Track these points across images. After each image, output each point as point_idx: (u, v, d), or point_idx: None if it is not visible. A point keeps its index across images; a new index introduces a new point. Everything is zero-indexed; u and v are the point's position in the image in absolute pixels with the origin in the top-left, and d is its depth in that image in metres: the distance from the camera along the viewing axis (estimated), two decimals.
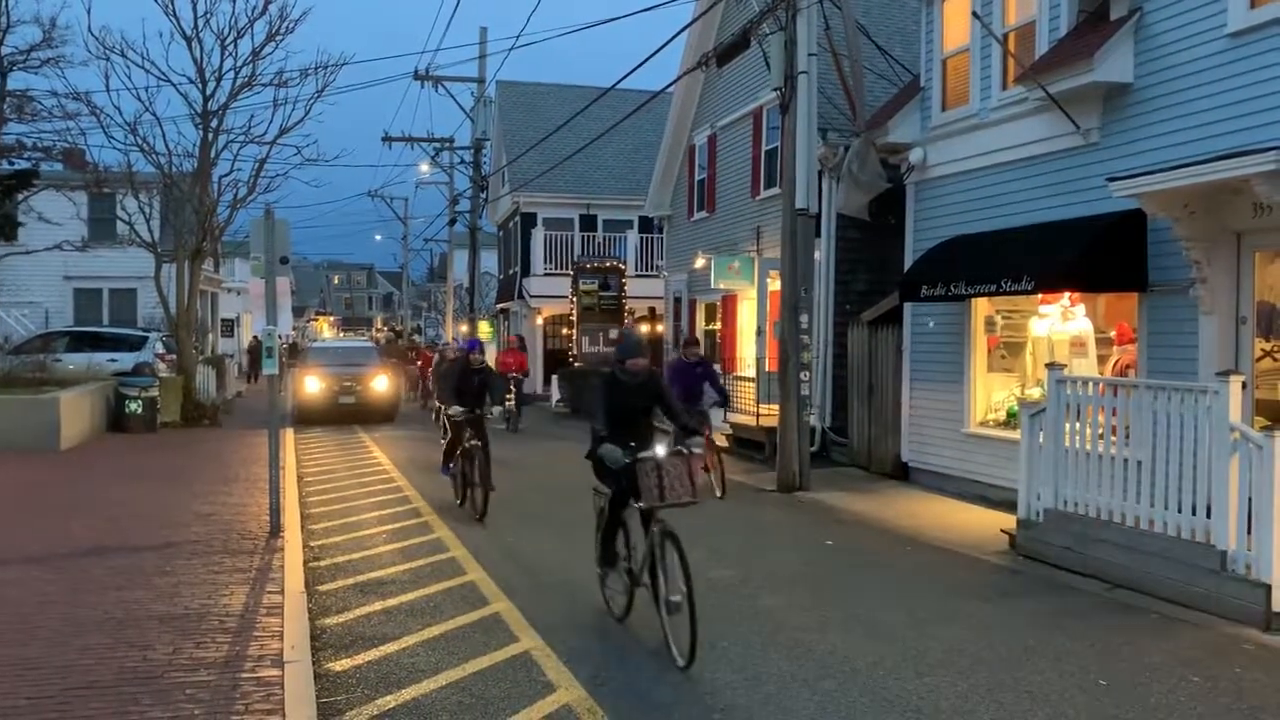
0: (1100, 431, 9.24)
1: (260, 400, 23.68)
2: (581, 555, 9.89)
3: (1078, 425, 9.46)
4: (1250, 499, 7.63)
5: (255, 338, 31.50)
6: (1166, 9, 10.21)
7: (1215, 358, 9.56)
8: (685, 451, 6.96)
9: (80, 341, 24.31)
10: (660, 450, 6.94)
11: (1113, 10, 10.85)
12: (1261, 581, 7.47)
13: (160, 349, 24.37)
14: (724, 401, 14.49)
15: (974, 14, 12.65)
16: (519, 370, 23.80)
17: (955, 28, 13.58)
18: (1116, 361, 11.34)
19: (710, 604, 8.09)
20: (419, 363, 31.70)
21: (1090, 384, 9.66)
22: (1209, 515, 7.97)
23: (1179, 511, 8.26)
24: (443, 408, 19.17)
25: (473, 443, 11.89)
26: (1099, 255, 10.51)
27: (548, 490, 13.92)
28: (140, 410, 19.83)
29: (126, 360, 22.37)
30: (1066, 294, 11.59)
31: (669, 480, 6.81)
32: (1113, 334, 11.54)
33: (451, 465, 12.71)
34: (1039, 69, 11.31)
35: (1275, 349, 9.90)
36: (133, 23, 22.73)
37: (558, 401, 27.67)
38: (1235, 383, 7.90)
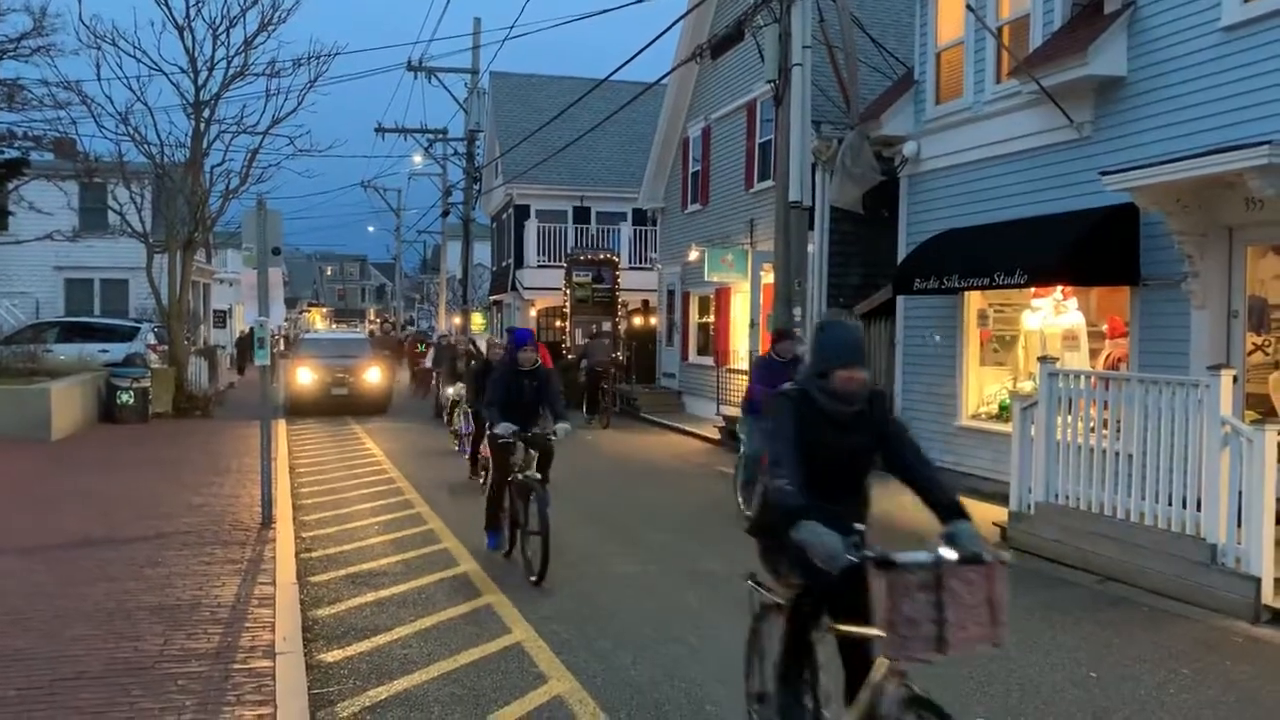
0: (1092, 425, 9.27)
1: (253, 391, 23.64)
2: (574, 555, 9.88)
3: (1069, 418, 9.48)
4: (1240, 493, 7.66)
5: (251, 329, 30.94)
6: (1160, 2, 10.21)
7: (1207, 352, 9.58)
8: (986, 558, 3.75)
9: (71, 332, 24.23)
10: (950, 555, 3.73)
11: (1106, 3, 10.84)
12: (1251, 575, 7.51)
13: (152, 340, 24.28)
14: None
15: (968, 7, 12.64)
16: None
17: (949, 21, 13.57)
18: (1108, 355, 11.37)
19: (700, 597, 8.11)
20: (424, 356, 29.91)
21: (1082, 377, 9.69)
22: (1199, 509, 8.00)
23: (1170, 505, 8.29)
24: (450, 415, 17.84)
25: (527, 474, 8.85)
26: (1091, 249, 10.52)
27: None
28: (132, 401, 19.76)
29: (118, 351, 22.29)
30: (1059, 287, 11.61)
31: (957, 613, 3.66)
32: (1105, 327, 11.57)
33: (499, 530, 9.43)
34: (1032, 62, 11.30)
35: (1266, 343, 9.94)
36: (124, 11, 22.53)
37: None
38: (1226, 377, 7.92)
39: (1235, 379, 8.30)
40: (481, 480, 12.76)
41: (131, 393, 19.79)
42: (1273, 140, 8.17)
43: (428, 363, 25.84)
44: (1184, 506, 8.17)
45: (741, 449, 11.67)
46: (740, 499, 11.19)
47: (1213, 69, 9.57)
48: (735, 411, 18.50)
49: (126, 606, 7.27)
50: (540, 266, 31.68)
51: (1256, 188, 8.47)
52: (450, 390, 17.96)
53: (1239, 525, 7.68)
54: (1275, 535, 7.59)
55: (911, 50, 14.92)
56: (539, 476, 8.78)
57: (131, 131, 21.93)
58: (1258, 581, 7.46)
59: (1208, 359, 9.34)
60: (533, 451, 8.96)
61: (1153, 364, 10.08)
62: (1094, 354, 11.64)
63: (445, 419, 19.14)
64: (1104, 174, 9.86)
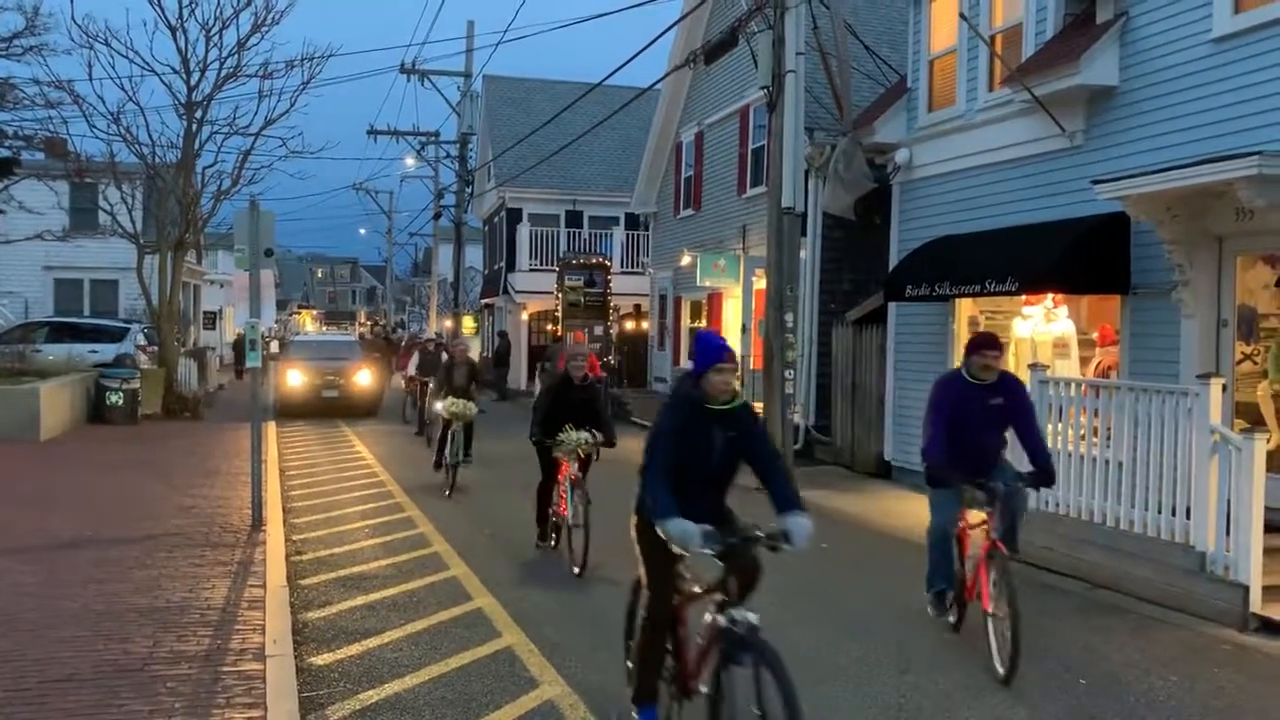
0: (1082, 432, 9.30)
1: (242, 393, 23.57)
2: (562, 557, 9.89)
3: (1060, 426, 9.51)
4: (1229, 501, 7.70)
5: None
6: (1152, 13, 10.27)
7: (1196, 360, 9.63)
8: None
9: (60, 332, 24.13)
10: None
11: (1099, 13, 10.91)
12: (1240, 583, 7.54)
13: (142, 340, 24.20)
14: (1046, 473, 6.94)
15: (961, 15, 12.69)
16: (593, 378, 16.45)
17: (942, 29, 13.63)
18: (1098, 363, 11.41)
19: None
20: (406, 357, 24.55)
21: (1072, 385, 9.72)
22: (1189, 516, 8.03)
23: (1159, 513, 8.32)
24: (441, 440, 13.43)
25: (732, 614, 4.66)
26: (1082, 257, 10.57)
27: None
28: (121, 402, 19.69)
29: (107, 352, 22.20)
30: (1050, 295, 11.65)
31: None
32: (1095, 336, 11.61)
33: (656, 700, 5.17)
34: (1025, 71, 11.36)
35: (1255, 352, 9.98)
36: (116, 11, 22.54)
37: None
38: (1216, 385, 7.97)
39: (1224, 388, 8.34)
40: (551, 545, 9.68)
41: (121, 394, 19.71)
42: (1263, 151, 8.21)
43: (410, 369, 21.28)
44: (1173, 514, 8.20)
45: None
46: (930, 597, 7.43)
47: (1203, 79, 9.62)
48: None
49: (115, 608, 7.25)
50: (532, 270, 31.69)
51: (1246, 198, 8.52)
52: (439, 405, 13.82)
53: (1228, 533, 7.71)
54: (1264, 543, 7.64)
55: (905, 58, 14.98)
56: (753, 623, 4.59)
57: (123, 131, 21.91)
58: (1246, 589, 7.49)
59: (1197, 368, 9.38)
60: (732, 573, 4.72)
61: (1143, 372, 10.12)
62: (1084, 362, 11.68)
63: (433, 443, 14.73)
64: (1095, 183, 9.90)
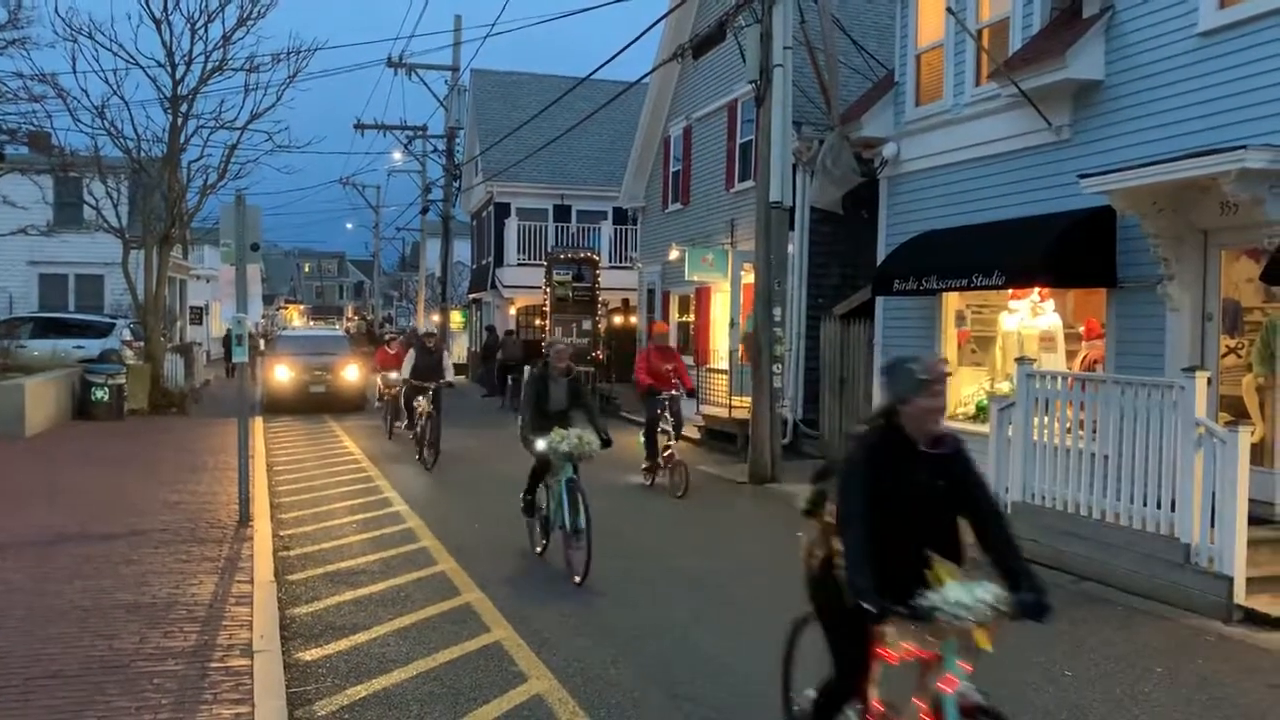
0: (1068, 426, 9.34)
1: (229, 389, 23.47)
2: (553, 549, 9.88)
3: (1046, 419, 9.55)
4: (1214, 493, 7.75)
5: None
6: (1138, 7, 10.29)
7: (1182, 354, 9.67)
8: None
9: (45, 328, 24.01)
10: None
11: (1085, 8, 10.93)
12: (1224, 574, 7.59)
13: (127, 336, 24.09)
14: None
15: (948, 9, 12.70)
16: (679, 383, 13.82)
17: (929, 23, 13.64)
18: (1085, 356, 11.46)
19: (681, 594, 8.12)
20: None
21: (1059, 378, 9.76)
22: (1174, 509, 8.08)
23: (1144, 505, 8.37)
24: (531, 492, 9.27)
25: None
26: (1069, 251, 10.61)
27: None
28: (107, 398, 19.60)
29: (93, 347, 22.11)
30: (1036, 289, 11.69)
31: None
32: (1081, 329, 11.66)
33: None
34: (1012, 65, 11.38)
35: (1240, 345, 10.04)
36: (100, 4, 22.43)
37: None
38: (1201, 379, 8.01)
39: (1209, 381, 8.39)
40: None
41: (107, 389, 19.62)
42: (1248, 145, 8.25)
43: (404, 371, 16.30)
44: (1158, 507, 8.25)
45: None
46: None
47: (1189, 74, 9.65)
48: (717, 411, 18.53)
49: (102, 604, 7.22)
50: (520, 265, 31.64)
51: (1231, 192, 8.56)
52: (541, 444, 8.99)
53: (1212, 525, 7.76)
54: (1248, 535, 7.69)
55: (892, 52, 14.99)
56: None
57: (108, 125, 21.77)
58: (1230, 581, 7.54)
59: (1183, 361, 9.43)
60: None
61: (1129, 365, 10.17)
62: (1071, 355, 11.72)
63: (527, 502, 9.62)
64: (1082, 177, 9.93)
